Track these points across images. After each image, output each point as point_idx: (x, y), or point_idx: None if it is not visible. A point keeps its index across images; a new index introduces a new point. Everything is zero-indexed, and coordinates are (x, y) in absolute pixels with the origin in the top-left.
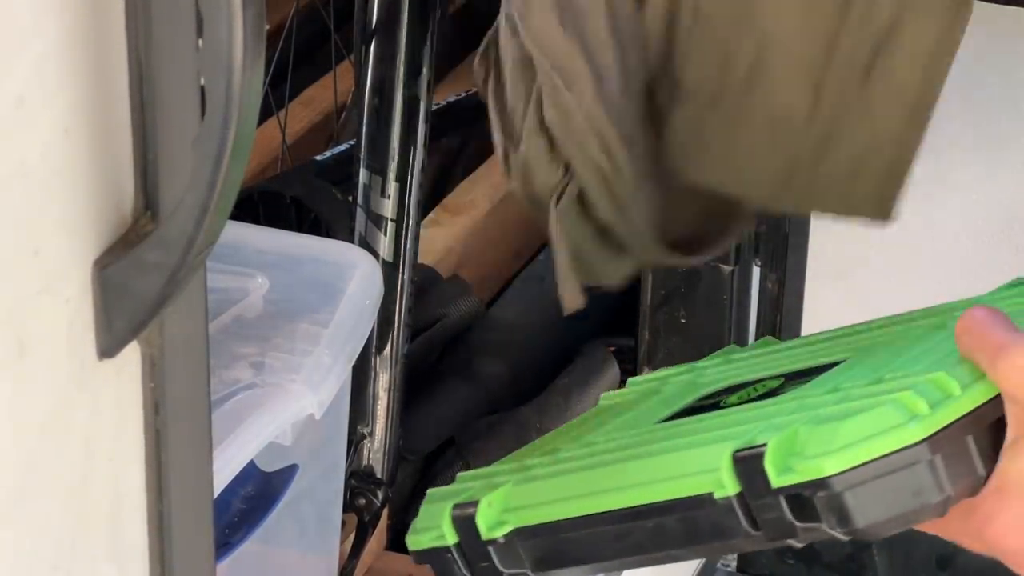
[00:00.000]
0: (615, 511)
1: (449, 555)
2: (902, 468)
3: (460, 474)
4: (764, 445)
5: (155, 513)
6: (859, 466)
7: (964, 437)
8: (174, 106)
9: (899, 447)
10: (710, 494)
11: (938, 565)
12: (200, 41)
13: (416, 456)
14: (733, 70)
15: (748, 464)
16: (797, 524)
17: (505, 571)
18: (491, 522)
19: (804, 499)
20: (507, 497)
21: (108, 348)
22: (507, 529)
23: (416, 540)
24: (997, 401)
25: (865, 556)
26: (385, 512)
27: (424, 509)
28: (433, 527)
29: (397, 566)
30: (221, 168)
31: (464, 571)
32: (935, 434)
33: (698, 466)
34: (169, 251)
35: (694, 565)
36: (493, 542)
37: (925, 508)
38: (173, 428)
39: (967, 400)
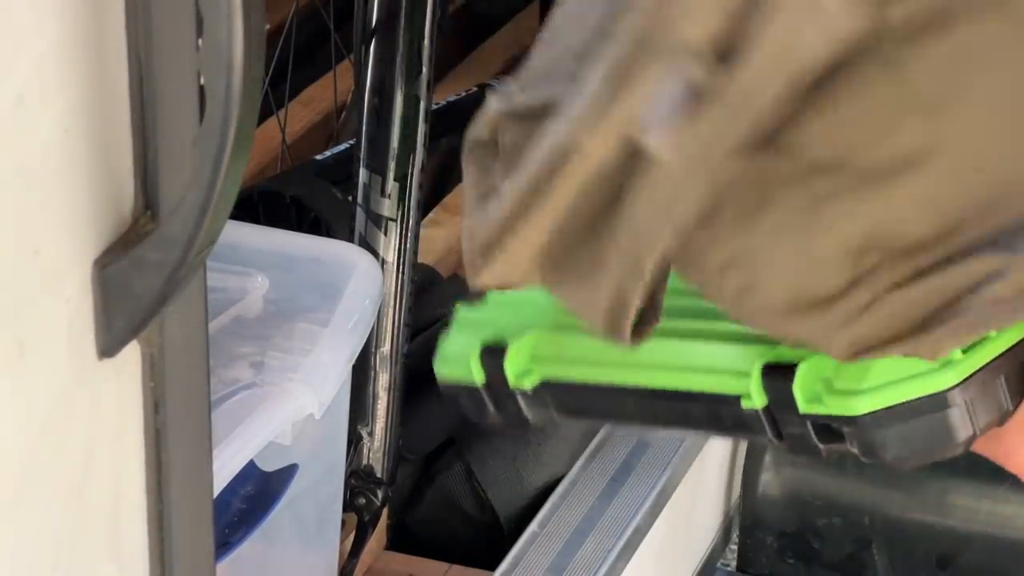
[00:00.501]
0: (642, 388)
1: (477, 394)
2: (932, 411)
3: (490, 295)
4: (795, 366)
5: (155, 513)
6: (889, 408)
7: (996, 378)
8: (174, 106)
9: (931, 392)
10: (738, 398)
11: (938, 565)
12: (200, 41)
13: (416, 456)
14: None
15: (776, 382)
16: (821, 445)
17: (531, 417)
18: (519, 370)
19: (831, 427)
20: (536, 345)
21: (108, 348)
22: (535, 380)
23: (444, 371)
24: None
25: (865, 556)
26: (385, 511)
27: (454, 335)
28: (461, 362)
29: (397, 565)
30: (221, 168)
31: (492, 409)
32: (967, 378)
33: (729, 364)
34: (169, 251)
35: (694, 564)
36: (521, 391)
37: (952, 446)
38: (173, 428)
39: (1002, 341)
